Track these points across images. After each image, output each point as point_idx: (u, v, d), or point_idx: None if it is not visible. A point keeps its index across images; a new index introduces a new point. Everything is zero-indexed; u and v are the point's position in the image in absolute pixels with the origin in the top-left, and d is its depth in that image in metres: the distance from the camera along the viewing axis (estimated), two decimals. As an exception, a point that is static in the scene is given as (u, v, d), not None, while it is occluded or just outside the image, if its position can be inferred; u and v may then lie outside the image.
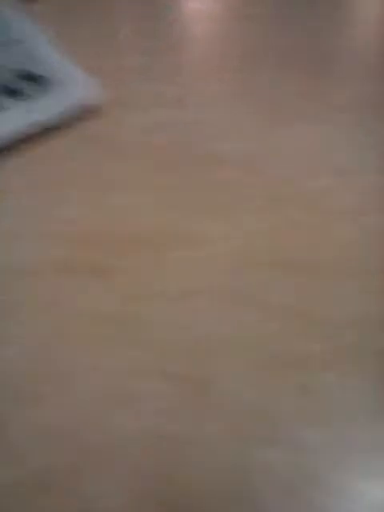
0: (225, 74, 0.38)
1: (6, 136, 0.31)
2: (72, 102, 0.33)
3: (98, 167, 0.30)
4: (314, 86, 0.37)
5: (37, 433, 0.20)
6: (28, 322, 0.23)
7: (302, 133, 0.34)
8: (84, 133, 0.32)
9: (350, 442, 0.22)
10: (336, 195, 0.30)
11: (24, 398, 0.21)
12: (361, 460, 0.21)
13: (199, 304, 0.25)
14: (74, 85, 0.34)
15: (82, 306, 0.24)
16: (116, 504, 0.19)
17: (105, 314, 0.24)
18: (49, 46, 0.38)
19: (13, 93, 0.33)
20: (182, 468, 0.20)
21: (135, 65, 0.38)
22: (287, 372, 0.23)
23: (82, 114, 0.33)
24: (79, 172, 0.30)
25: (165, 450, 0.20)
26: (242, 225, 0.28)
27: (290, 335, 0.24)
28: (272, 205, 0.29)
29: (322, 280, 0.26)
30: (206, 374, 0.23)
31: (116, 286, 0.24)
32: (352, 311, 0.26)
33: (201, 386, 0.22)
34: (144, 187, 0.29)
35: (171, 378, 0.22)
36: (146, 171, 0.30)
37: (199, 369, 0.23)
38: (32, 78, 0.34)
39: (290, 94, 0.36)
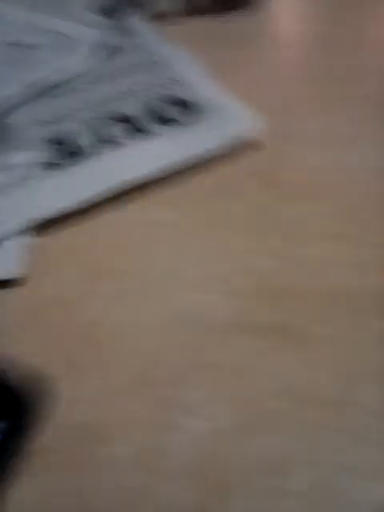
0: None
1: (155, 166, 0.28)
2: (230, 133, 0.30)
3: (264, 208, 0.27)
4: None
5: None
6: (223, 391, 0.20)
7: None
8: (244, 168, 0.29)
9: None
10: None
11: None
12: None
13: None
14: (231, 114, 0.32)
15: (284, 383, 0.20)
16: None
17: (317, 396, 0.20)
18: (196, 71, 0.36)
19: (163, 119, 0.31)
20: None
21: (297, 94, 0.35)
22: None
23: (241, 148, 0.30)
24: (244, 212, 0.27)
25: None
26: None
27: None
28: None
29: None
30: None
31: (323, 359, 0.21)
32: None
33: None
34: (332, 236, 0.26)
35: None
36: (327, 217, 0.27)
37: None
38: (182, 104, 0.32)
39: None
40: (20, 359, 0.20)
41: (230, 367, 0.21)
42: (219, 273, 0.25)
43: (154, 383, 0.20)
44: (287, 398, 0.20)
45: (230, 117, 0.32)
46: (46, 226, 0.26)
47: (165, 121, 0.31)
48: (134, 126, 0.31)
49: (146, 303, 0.23)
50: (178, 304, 0.23)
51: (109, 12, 0.42)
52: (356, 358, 0.21)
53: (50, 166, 0.28)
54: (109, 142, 0.30)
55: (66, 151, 0.29)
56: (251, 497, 0.18)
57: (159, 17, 0.42)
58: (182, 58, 0.38)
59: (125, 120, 0.31)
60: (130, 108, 0.32)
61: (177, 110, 0.32)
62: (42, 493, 0.18)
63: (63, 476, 0.18)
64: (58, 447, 0.19)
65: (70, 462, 0.18)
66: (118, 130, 0.31)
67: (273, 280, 0.24)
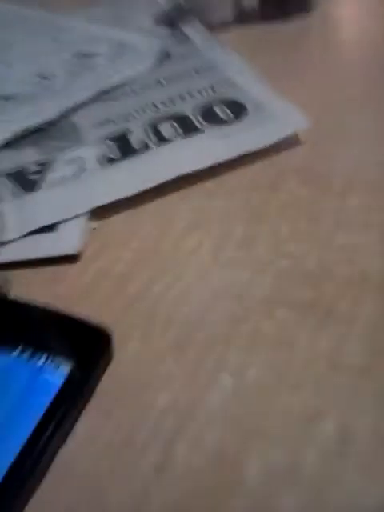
0: None
1: (204, 163, 0.30)
2: (277, 132, 0.32)
3: (307, 202, 0.29)
4: None
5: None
6: (258, 354, 0.22)
7: None
8: (288, 165, 0.31)
9: None
10: None
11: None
12: None
13: None
14: (280, 114, 0.34)
15: (318, 351, 0.22)
16: None
17: (344, 365, 0.21)
18: (247, 74, 0.38)
19: (214, 119, 0.33)
20: None
21: (347, 96, 0.36)
22: None
23: (286, 146, 0.32)
24: (287, 204, 0.29)
25: None
26: None
27: None
28: None
29: None
30: None
31: (352, 334, 0.22)
32: None
33: None
34: (367, 226, 0.27)
35: None
36: (366, 210, 0.28)
37: None
38: (233, 105, 0.34)
39: None
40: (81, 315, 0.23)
41: (267, 335, 0.23)
42: (258, 255, 0.27)
43: (194, 346, 0.23)
44: (320, 363, 0.22)
45: (279, 116, 0.34)
46: (101, 213, 0.29)
47: (216, 120, 0.34)
48: (186, 125, 0.33)
49: (188, 279, 0.26)
50: (220, 280, 0.25)
51: (166, 21, 0.45)
52: (380, 332, 0.23)
53: (108, 160, 0.31)
54: (162, 139, 0.32)
55: (122, 148, 0.32)
56: (281, 444, 0.19)
57: (213, 25, 0.45)
58: (234, 62, 0.40)
59: (178, 119, 0.34)
60: (184, 108, 0.35)
61: (228, 110, 0.34)
62: (92, 429, 0.20)
63: (112, 416, 0.20)
64: (109, 393, 0.21)
65: (116, 407, 0.21)
66: (170, 128, 0.33)
67: (307, 263, 0.26)
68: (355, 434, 0.19)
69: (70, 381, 0.21)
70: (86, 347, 0.22)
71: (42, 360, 0.21)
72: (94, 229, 0.29)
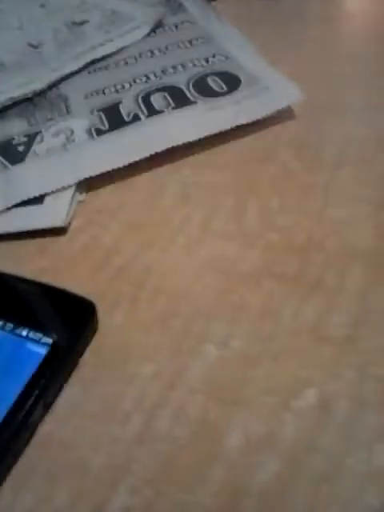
0: None
1: (196, 134, 0.30)
2: (271, 104, 0.31)
3: (299, 176, 0.29)
4: None
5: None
6: (247, 326, 0.22)
7: None
8: (280, 138, 0.31)
9: None
10: None
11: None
12: None
13: None
14: (274, 86, 0.33)
15: (302, 322, 0.22)
16: None
17: (328, 336, 0.21)
18: (242, 46, 0.37)
19: (208, 90, 0.33)
20: None
21: (342, 70, 0.36)
22: None
23: (279, 119, 0.32)
24: (279, 177, 0.28)
25: None
26: None
27: None
28: None
29: None
30: None
31: (337, 305, 0.22)
32: None
33: None
34: (358, 199, 0.27)
35: None
36: (357, 184, 0.28)
37: None
38: (227, 76, 0.34)
39: None
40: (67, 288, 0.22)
41: (253, 307, 0.23)
42: (248, 228, 0.26)
43: (180, 316, 0.22)
44: (304, 334, 0.21)
45: (273, 89, 0.33)
46: (89, 184, 0.29)
47: (209, 92, 0.33)
48: (178, 97, 0.33)
49: (177, 251, 0.25)
50: (208, 252, 0.25)
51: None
52: (364, 305, 0.22)
53: (98, 132, 0.31)
54: (153, 111, 0.32)
55: (112, 119, 0.31)
56: (262, 414, 0.19)
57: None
58: (230, 33, 0.39)
59: (170, 91, 0.33)
60: (176, 80, 0.34)
61: (221, 82, 0.33)
62: (75, 399, 0.20)
63: (95, 386, 0.21)
64: (93, 363, 0.21)
65: (101, 376, 0.21)
66: (162, 100, 0.33)
67: (296, 235, 0.26)
68: (336, 404, 0.19)
69: (53, 351, 0.20)
70: (70, 318, 0.22)
71: (26, 331, 0.21)
72: (82, 201, 0.28)
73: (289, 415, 0.19)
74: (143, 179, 0.29)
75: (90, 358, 0.21)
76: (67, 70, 0.35)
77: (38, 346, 0.21)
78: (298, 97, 0.32)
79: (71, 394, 0.20)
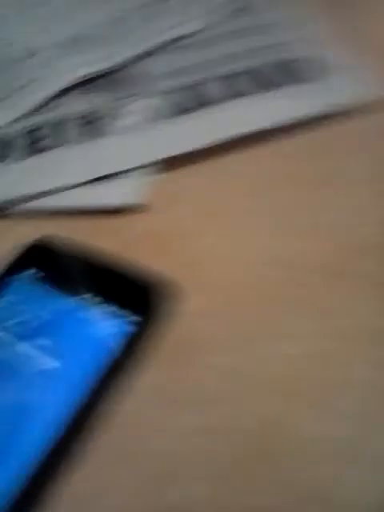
0: None
1: (274, 120, 0.29)
2: (346, 93, 0.31)
3: (372, 173, 0.28)
4: None
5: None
6: (308, 324, 0.22)
7: None
8: (363, 131, 0.30)
9: None
10: None
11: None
12: None
13: None
14: (349, 75, 0.32)
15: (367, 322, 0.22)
16: None
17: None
18: (318, 32, 0.36)
19: (286, 76, 0.32)
20: None
21: None
22: None
23: (354, 108, 0.30)
24: (338, 173, 0.28)
25: None
26: None
27: None
28: None
29: None
30: None
31: None
32: None
33: None
34: None
35: None
36: None
37: None
38: (306, 63, 0.33)
39: None
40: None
41: (320, 306, 0.22)
42: (322, 223, 0.25)
43: (249, 307, 0.22)
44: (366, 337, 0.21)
45: (348, 78, 0.32)
46: (167, 165, 0.28)
47: (291, 78, 0.32)
48: (259, 80, 0.32)
49: (250, 243, 0.25)
50: (278, 248, 0.25)
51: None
52: None
53: (180, 111, 0.30)
54: (236, 93, 0.31)
55: (192, 99, 0.31)
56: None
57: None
58: (315, 20, 0.38)
59: (255, 74, 0.32)
60: (257, 63, 0.33)
61: (304, 68, 0.32)
62: (154, 381, 0.20)
63: (170, 371, 0.21)
64: (164, 348, 0.21)
65: (178, 363, 0.21)
66: (243, 82, 0.32)
67: (371, 235, 0.25)
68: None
69: (139, 329, 0.20)
70: (154, 300, 0.22)
71: (109, 309, 0.21)
72: (155, 181, 0.28)
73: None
74: (221, 164, 0.29)
75: (164, 342, 0.21)
76: (150, 46, 0.34)
77: (118, 326, 0.21)
78: (373, 87, 0.31)
79: (143, 377, 0.20)
